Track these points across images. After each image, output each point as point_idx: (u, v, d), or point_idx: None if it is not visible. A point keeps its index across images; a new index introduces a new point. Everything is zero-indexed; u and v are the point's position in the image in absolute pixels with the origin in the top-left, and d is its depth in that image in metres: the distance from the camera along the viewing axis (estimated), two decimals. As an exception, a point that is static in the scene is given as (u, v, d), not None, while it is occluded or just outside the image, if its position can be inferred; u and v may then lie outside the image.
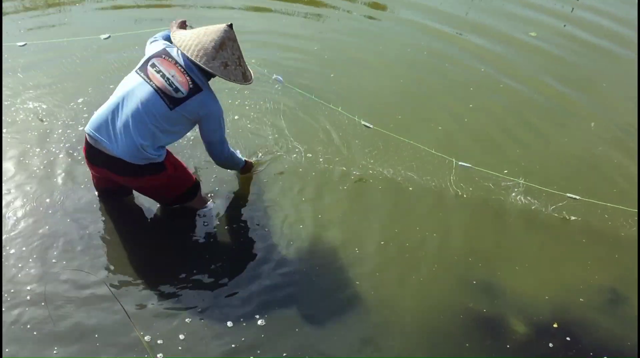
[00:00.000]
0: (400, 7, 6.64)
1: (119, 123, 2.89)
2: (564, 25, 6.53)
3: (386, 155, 4.05)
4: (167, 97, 2.89)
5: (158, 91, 2.89)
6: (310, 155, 3.99)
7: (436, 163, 3.95)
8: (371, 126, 3.91)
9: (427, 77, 5.21)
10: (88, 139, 2.98)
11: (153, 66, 2.95)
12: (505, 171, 3.90)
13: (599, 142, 4.51)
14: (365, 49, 5.59)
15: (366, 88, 4.89)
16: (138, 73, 2.97)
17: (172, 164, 3.12)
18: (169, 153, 3.12)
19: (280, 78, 3.81)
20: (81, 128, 3.97)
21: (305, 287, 3.17)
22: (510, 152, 4.29)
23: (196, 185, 3.41)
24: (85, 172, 3.57)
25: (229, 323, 2.91)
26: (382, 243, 3.45)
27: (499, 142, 4.39)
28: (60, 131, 4.02)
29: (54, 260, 3.13)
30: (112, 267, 3.15)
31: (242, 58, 3.06)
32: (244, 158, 3.57)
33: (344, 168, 3.92)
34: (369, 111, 4.37)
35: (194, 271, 3.17)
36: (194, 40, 2.91)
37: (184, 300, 3.02)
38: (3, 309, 2.85)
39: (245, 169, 3.66)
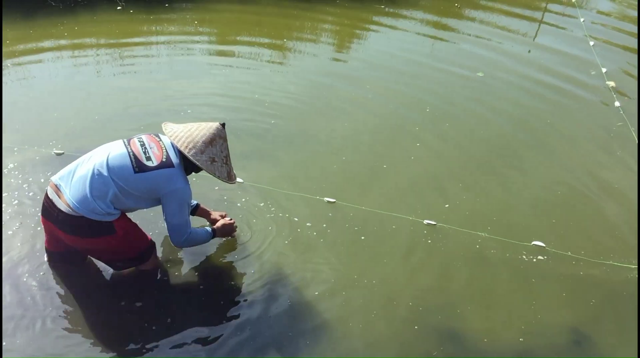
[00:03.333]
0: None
1: (80, 171, 2.92)
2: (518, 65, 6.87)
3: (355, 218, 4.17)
4: (136, 161, 2.91)
5: (130, 153, 2.92)
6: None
7: (401, 222, 4.10)
8: (334, 201, 4.17)
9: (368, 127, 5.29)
10: (48, 189, 2.99)
11: (139, 138, 3.04)
12: (476, 225, 4.08)
13: (558, 185, 4.63)
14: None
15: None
16: (123, 140, 3.04)
17: (122, 228, 3.02)
18: (122, 216, 3.03)
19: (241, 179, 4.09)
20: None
21: (272, 324, 3.27)
22: (463, 201, 4.36)
23: (150, 248, 3.33)
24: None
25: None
26: (344, 293, 3.51)
27: (451, 191, 4.47)
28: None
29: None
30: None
31: (229, 158, 3.17)
32: (210, 228, 3.43)
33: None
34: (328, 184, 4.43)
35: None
36: (185, 133, 3.03)
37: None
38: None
39: (218, 236, 3.53)
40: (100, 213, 2.89)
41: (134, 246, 3.24)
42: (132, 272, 3.44)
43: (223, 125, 3.13)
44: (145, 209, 3.26)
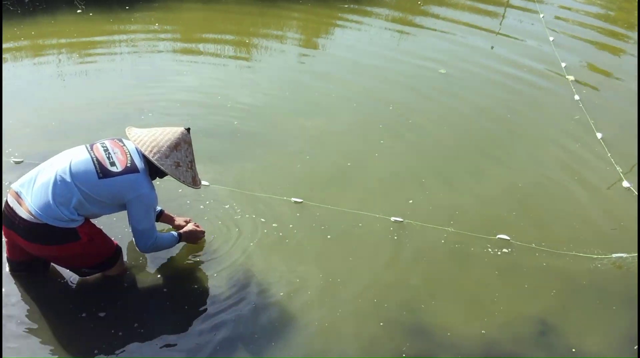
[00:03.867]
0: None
1: (42, 178, 2.86)
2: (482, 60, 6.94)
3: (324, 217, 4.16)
4: (100, 166, 2.86)
5: (94, 159, 2.88)
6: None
7: (369, 221, 4.12)
8: (301, 201, 4.17)
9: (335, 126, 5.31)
10: (8, 197, 2.92)
11: (102, 144, 2.99)
12: (442, 221, 4.11)
13: (521, 179, 4.70)
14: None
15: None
16: (85, 146, 2.99)
17: (87, 234, 2.96)
18: (86, 222, 2.98)
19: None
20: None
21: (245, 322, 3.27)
22: (430, 197, 4.39)
23: (116, 253, 3.29)
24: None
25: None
26: (309, 292, 3.50)
27: (413, 187, 4.51)
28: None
29: None
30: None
31: (194, 163, 3.14)
32: (176, 233, 3.39)
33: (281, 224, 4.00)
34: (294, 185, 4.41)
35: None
36: (149, 137, 2.99)
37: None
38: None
39: (184, 241, 3.48)
40: (63, 220, 2.84)
41: (100, 252, 3.19)
42: (98, 278, 3.38)
43: (188, 130, 3.10)
44: (109, 214, 3.20)
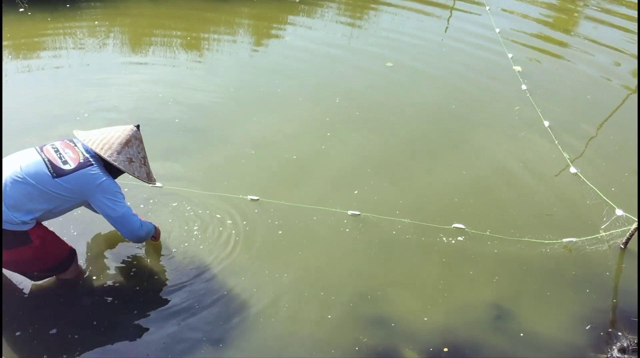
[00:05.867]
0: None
1: None
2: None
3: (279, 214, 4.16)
4: (52, 166, 2.79)
5: (45, 160, 2.81)
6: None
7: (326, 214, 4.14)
8: (257, 198, 4.16)
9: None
10: None
11: (52, 145, 2.92)
12: (397, 212, 4.17)
13: (474, 169, 4.80)
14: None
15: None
16: (35, 148, 2.91)
17: (39, 236, 2.89)
18: (38, 225, 2.91)
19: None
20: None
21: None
22: (383, 191, 4.43)
23: (70, 256, 3.21)
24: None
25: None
26: (264, 288, 3.50)
27: (366, 180, 4.53)
28: None
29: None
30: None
31: (147, 159, 3.12)
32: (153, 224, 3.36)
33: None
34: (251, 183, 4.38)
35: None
36: (99, 136, 2.96)
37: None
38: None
39: (157, 235, 3.47)
40: (14, 223, 2.75)
41: (53, 255, 3.11)
42: (52, 282, 3.31)
43: (137, 127, 3.09)
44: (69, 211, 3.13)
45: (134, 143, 3.02)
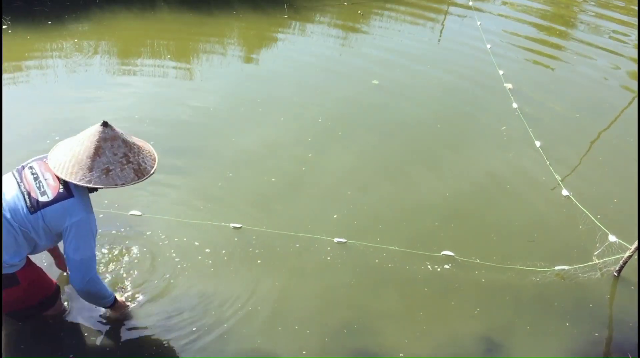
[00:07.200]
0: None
1: None
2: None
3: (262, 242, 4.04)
4: (30, 199, 2.59)
5: (24, 192, 2.61)
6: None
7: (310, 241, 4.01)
8: (240, 226, 4.02)
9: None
10: None
11: (30, 168, 2.71)
12: (378, 239, 4.03)
13: (464, 192, 4.67)
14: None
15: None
16: (14, 174, 2.71)
17: (27, 278, 2.76)
18: (26, 265, 2.76)
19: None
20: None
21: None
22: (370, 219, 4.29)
23: (56, 293, 3.06)
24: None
25: None
26: (254, 315, 3.37)
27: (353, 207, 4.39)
28: None
29: None
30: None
31: (132, 151, 2.71)
32: (115, 294, 3.09)
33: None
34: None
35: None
36: (67, 155, 2.64)
37: None
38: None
39: (116, 308, 3.15)
40: (4, 266, 2.61)
41: (40, 294, 2.96)
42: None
43: (105, 124, 2.67)
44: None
45: (104, 147, 2.62)
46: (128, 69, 6.51)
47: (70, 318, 3.22)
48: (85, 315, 3.26)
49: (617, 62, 7.84)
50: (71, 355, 3.05)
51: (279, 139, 5.19)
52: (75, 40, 7.01)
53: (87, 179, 2.58)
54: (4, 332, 3.08)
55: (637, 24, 9.40)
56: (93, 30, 7.36)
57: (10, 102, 5.43)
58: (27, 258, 2.80)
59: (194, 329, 3.26)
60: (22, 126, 4.96)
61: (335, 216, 4.24)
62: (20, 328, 3.14)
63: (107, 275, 3.52)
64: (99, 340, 3.15)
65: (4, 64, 6.18)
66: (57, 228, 2.66)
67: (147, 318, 3.30)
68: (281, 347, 3.23)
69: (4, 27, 7.00)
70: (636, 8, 10.26)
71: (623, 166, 5.19)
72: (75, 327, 3.19)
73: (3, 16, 7.04)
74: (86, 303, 3.07)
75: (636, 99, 6.66)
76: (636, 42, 8.61)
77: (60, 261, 3.42)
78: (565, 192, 4.68)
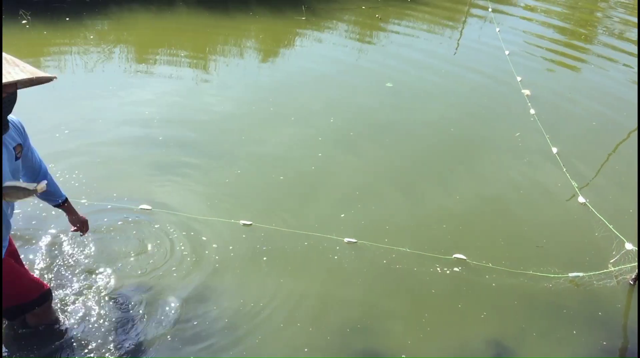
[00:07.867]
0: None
1: None
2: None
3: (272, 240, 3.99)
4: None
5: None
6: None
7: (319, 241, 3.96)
8: (250, 223, 3.99)
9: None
10: None
11: None
12: (386, 240, 3.98)
13: (479, 196, 4.60)
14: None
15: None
16: None
17: (8, 272, 2.57)
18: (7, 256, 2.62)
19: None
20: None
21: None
22: (385, 219, 4.23)
23: (45, 295, 2.89)
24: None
25: None
26: (241, 318, 3.30)
27: (369, 208, 4.34)
28: None
29: None
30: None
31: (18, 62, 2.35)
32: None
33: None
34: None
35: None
36: None
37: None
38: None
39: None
40: None
41: (22, 293, 2.80)
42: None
43: None
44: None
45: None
46: (144, 68, 6.54)
47: (71, 318, 3.19)
48: (85, 315, 3.23)
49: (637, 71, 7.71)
50: (71, 356, 3.02)
51: (291, 140, 5.16)
52: (92, 37, 7.06)
53: None
54: (4, 332, 3.06)
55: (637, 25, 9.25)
56: (111, 28, 7.43)
57: (24, 97, 5.44)
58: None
59: (195, 323, 3.22)
60: (37, 121, 4.95)
61: (343, 216, 4.20)
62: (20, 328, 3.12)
63: (115, 266, 3.51)
64: (99, 340, 3.11)
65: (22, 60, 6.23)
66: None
67: (149, 314, 3.28)
68: (283, 343, 3.19)
69: (23, 22, 7.08)
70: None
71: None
72: (76, 327, 3.16)
73: (23, 11, 7.12)
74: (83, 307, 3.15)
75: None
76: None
77: (71, 216, 3.08)
78: (581, 199, 4.59)
